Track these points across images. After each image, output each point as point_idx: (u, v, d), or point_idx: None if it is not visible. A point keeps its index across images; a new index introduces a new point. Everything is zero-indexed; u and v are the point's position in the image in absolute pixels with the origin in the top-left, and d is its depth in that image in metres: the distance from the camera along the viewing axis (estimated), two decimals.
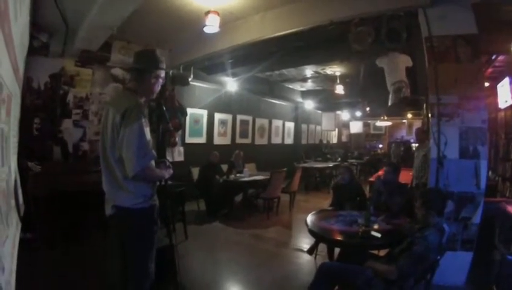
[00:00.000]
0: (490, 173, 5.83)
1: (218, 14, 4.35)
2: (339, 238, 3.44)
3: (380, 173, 8.08)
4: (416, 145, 12.46)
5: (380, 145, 19.41)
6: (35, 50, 5.12)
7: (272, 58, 6.36)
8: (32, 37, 4.61)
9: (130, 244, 2.33)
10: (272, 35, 4.81)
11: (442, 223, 2.77)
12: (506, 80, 5.68)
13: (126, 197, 2.27)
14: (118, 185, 2.27)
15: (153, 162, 2.33)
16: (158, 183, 2.58)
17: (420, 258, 2.57)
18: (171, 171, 2.58)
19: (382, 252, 3.52)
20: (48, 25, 5.00)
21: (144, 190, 2.31)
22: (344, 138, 20.30)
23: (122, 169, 2.22)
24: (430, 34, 3.63)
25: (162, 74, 2.51)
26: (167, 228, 3.16)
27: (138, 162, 2.16)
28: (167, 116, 2.83)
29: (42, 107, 5.65)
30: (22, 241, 3.17)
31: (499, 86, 5.90)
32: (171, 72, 6.87)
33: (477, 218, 3.57)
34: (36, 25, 4.72)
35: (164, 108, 2.82)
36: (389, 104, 5.30)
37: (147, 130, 2.24)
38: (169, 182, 4.98)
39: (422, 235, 2.67)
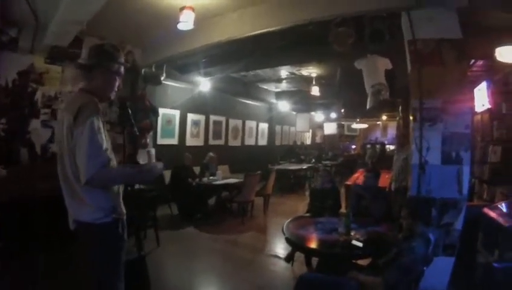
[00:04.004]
0: None
1: (193, 10, 4.13)
2: (319, 248, 3.30)
3: (356, 175, 8.06)
4: (392, 147, 12.65)
5: (353, 146, 19.58)
6: (4, 45, 4.84)
7: (247, 58, 6.18)
8: (0, 31, 4.30)
9: (93, 263, 2.09)
10: (250, 34, 4.61)
11: (428, 232, 2.67)
12: (484, 84, 5.71)
13: (85, 211, 2.02)
14: (76, 197, 2.03)
15: (113, 164, 2.07)
16: (123, 190, 2.32)
17: (408, 270, 2.47)
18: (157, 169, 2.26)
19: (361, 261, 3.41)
20: (17, 19, 4.71)
21: (101, 202, 2.04)
22: (318, 139, 20.36)
23: (78, 179, 1.97)
24: (413, 37, 3.53)
25: (116, 68, 2.20)
26: (137, 239, 2.91)
27: (90, 165, 1.88)
28: (132, 118, 2.54)
29: (9, 107, 5.23)
30: None
31: (476, 89, 5.94)
32: (142, 70, 6.56)
33: (459, 223, 3.50)
34: (4, 19, 4.44)
35: (129, 110, 2.52)
36: (368, 106, 5.21)
37: (101, 132, 1.97)
38: (141, 187, 4.74)
39: (409, 246, 2.56)
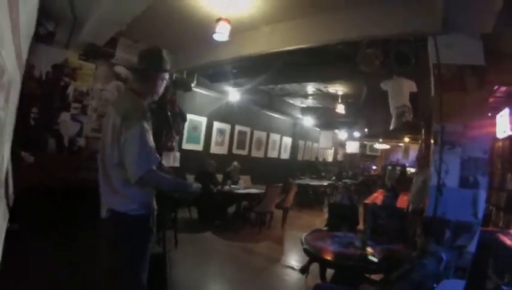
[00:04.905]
0: None
1: (229, 22, 4.30)
2: (335, 260, 3.36)
3: (376, 195, 8.05)
4: (412, 169, 12.54)
5: (374, 167, 19.41)
6: (41, 38, 5.04)
7: (276, 71, 6.32)
8: (38, 24, 4.49)
9: (122, 251, 2.19)
10: (280, 49, 4.75)
11: (441, 251, 2.71)
12: (506, 110, 5.67)
13: (121, 201, 2.15)
14: (113, 189, 2.16)
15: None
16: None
17: (418, 285, 2.52)
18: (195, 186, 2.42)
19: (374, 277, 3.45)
20: (55, 13, 4.92)
21: (139, 195, 2.18)
22: (339, 157, 20.28)
23: (118, 173, 2.12)
24: (438, 61, 3.60)
25: (167, 75, 2.41)
26: (162, 235, 3.05)
27: (140, 166, 2.04)
28: (171, 121, 2.70)
29: (41, 97, 5.49)
30: (8, 233, 3.01)
31: (498, 116, 5.89)
32: (174, 76, 6.78)
33: (472, 247, 3.51)
34: (44, 12, 4.61)
35: (169, 113, 2.69)
36: (391, 127, 5.26)
37: (150, 134, 2.13)
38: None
39: (421, 263, 2.61)
